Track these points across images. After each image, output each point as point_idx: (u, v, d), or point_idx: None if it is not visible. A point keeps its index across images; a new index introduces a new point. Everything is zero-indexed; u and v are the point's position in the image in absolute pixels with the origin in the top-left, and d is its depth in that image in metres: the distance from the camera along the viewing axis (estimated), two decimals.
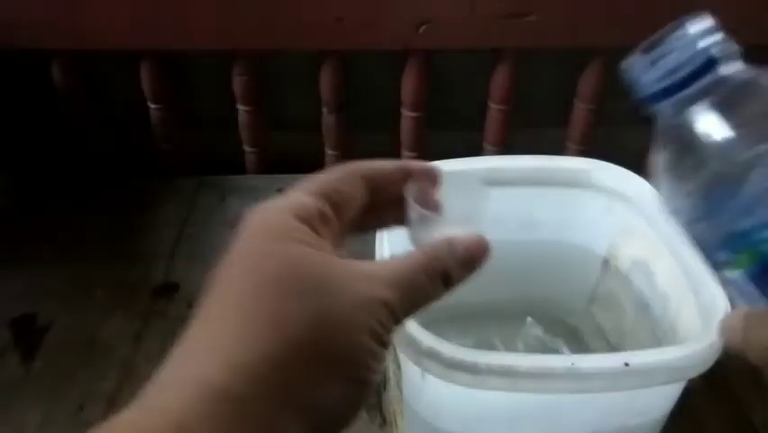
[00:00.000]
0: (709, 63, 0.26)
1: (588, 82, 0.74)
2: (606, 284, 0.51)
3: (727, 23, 0.77)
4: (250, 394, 0.21)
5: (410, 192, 0.29)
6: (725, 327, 0.29)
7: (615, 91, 0.76)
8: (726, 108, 0.25)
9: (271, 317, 0.23)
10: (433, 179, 0.31)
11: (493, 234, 0.28)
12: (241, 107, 0.76)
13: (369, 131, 0.79)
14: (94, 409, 0.51)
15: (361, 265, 0.25)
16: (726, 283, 0.27)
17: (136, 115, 0.76)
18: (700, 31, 0.26)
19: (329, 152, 0.79)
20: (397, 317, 0.25)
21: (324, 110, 0.76)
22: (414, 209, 0.29)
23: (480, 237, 0.28)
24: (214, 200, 0.73)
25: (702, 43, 0.26)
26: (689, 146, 0.25)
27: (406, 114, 0.75)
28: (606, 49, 0.72)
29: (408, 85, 0.73)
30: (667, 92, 0.26)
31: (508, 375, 0.32)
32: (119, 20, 0.68)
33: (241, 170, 0.80)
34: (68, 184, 0.75)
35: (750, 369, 0.28)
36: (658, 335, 0.45)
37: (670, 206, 0.26)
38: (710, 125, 0.25)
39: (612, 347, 0.51)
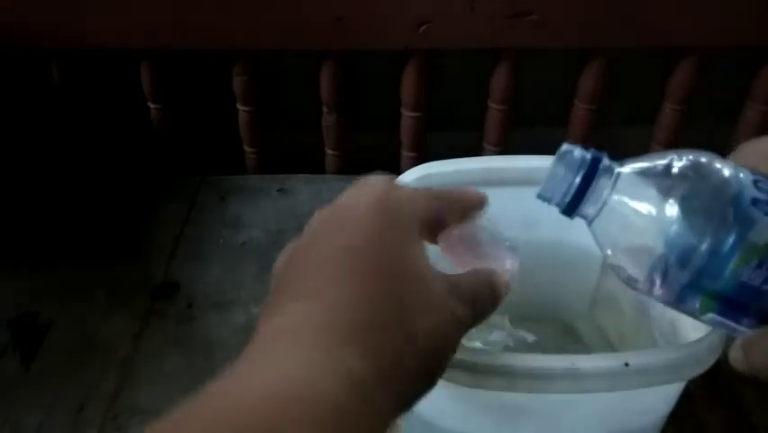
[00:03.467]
0: (594, 162, 0.29)
1: (588, 82, 0.74)
2: (606, 284, 0.51)
3: (728, 23, 0.77)
4: (376, 385, 0.23)
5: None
6: (734, 361, 0.29)
7: (615, 91, 0.76)
8: (633, 190, 0.28)
9: (400, 323, 0.25)
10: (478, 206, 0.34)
11: None
12: (241, 107, 0.76)
13: (369, 131, 0.79)
14: (94, 409, 0.51)
15: (451, 281, 0.28)
16: (709, 323, 0.29)
17: (136, 115, 0.76)
18: (573, 146, 0.30)
19: (329, 151, 0.79)
20: (467, 331, 0.28)
21: (324, 110, 0.76)
22: (454, 240, 0.33)
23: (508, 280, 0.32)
24: (214, 200, 0.73)
25: (579, 152, 0.29)
26: (623, 230, 0.28)
27: (406, 114, 0.76)
28: (606, 49, 0.72)
29: (408, 85, 0.73)
30: (574, 202, 0.29)
31: (508, 375, 0.32)
32: (119, 20, 0.68)
33: (241, 170, 0.80)
34: (68, 184, 0.75)
35: None
36: (658, 335, 0.45)
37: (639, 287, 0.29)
38: (629, 209, 0.28)
39: (613, 348, 0.51)
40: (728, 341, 0.34)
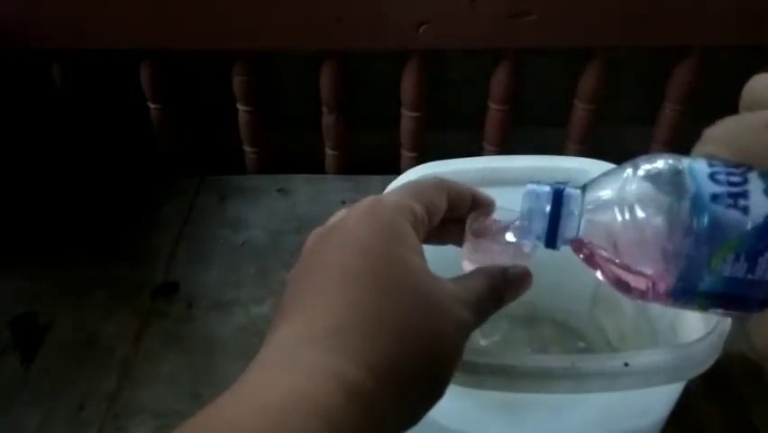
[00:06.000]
0: (557, 194, 0.29)
1: (588, 82, 0.74)
2: (606, 285, 0.51)
3: (728, 23, 0.77)
4: (377, 393, 0.23)
5: (468, 223, 0.33)
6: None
7: (615, 91, 0.76)
8: (599, 211, 0.28)
9: (398, 328, 0.25)
10: (488, 211, 0.34)
11: None
12: (241, 107, 0.76)
13: (369, 131, 0.79)
14: (94, 409, 0.51)
15: (448, 284, 0.28)
16: (719, 315, 0.29)
17: (136, 115, 0.76)
18: (537, 183, 0.30)
19: (329, 152, 0.79)
20: (470, 335, 0.28)
21: (324, 110, 0.76)
22: (470, 240, 0.33)
23: (526, 269, 0.32)
24: (214, 200, 0.73)
25: (540, 188, 0.30)
26: (604, 250, 0.29)
27: (406, 114, 0.76)
28: (606, 49, 0.72)
29: (408, 85, 0.73)
30: (551, 235, 0.30)
31: (508, 375, 0.32)
32: (119, 20, 0.68)
33: (241, 170, 0.80)
34: (69, 184, 0.75)
35: (750, 369, 0.28)
36: (658, 335, 0.45)
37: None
38: (607, 226, 0.28)
39: (613, 349, 0.51)
40: (728, 340, 0.35)
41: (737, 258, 0.25)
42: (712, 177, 0.25)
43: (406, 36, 0.69)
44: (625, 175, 0.28)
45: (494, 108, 0.76)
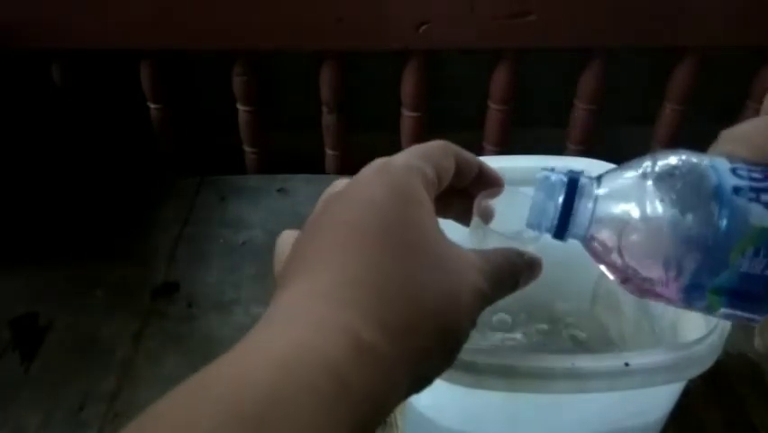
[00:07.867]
0: (572, 183, 0.29)
1: (588, 82, 0.74)
2: (606, 283, 0.51)
3: (728, 23, 0.77)
4: (389, 351, 0.23)
5: (476, 205, 0.32)
6: (759, 347, 0.29)
7: (615, 91, 0.76)
8: (615, 202, 0.28)
9: (412, 288, 0.24)
10: (496, 192, 0.34)
11: None
12: (241, 107, 0.76)
13: (369, 131, 0.79)
14: (94, 409, 0.51)
15: (465, 251, 0.28)
16: (724, 318, 0.28)
17: (136, 115, 0.76)
18: (552, 171, 0.30)
19: (329, 152, 0.79)
20: (485, 307, 0.27)
21: (324, 110, 0.76)
22: (477, 220, 0.32)
23: (539, 256, 0.31)
24: (214, 200, 0.73)
25: (555, 176, 0.29)
26: (615, 244, 0.28)
27: (406, 114, 0.76)
28: (606, 49, 0.72)
29: (408, 85, 0.73)
30: (562, 225, 0.29)
31: (508, 375, 0.32)
32: (119, 20, 0.68)
33: (241, 170, 0.80)
34: (69, 184, 0.75)
35: (750, 369, 0.28)
36: (658, 335, 0.45)
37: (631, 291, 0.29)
38: (616, 222, 0.28)
39: (614, 347, 0.51)
40: (728, 340, 0.35)
41: (757, 253, 0.25)
42: (734, 171, 0.26)
43: (406, 36, 0.69)
44: (642, 169, 0.27)
45: (494, 108, 0.76)
